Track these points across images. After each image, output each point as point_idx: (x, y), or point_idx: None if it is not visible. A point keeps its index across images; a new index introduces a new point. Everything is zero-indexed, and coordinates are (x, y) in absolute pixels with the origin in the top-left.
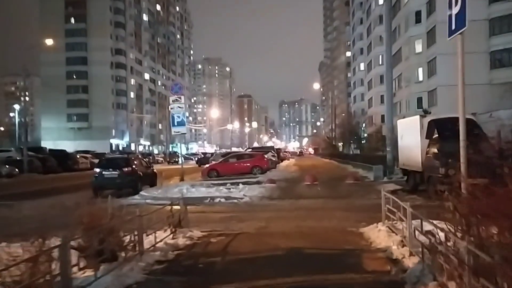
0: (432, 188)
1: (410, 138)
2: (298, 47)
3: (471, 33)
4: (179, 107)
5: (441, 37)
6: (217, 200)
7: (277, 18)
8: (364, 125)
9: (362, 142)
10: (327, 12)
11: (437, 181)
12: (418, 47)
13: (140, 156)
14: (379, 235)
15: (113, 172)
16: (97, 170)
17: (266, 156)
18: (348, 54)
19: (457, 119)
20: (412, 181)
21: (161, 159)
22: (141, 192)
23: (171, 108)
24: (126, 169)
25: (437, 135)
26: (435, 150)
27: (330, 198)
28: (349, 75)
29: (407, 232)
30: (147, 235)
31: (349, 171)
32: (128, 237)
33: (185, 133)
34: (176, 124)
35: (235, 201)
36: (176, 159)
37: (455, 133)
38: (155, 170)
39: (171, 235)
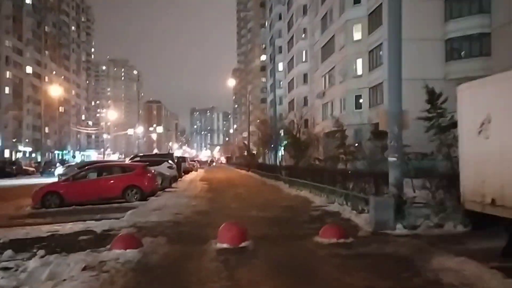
0: None
1: None
2: (211, 55)
3: (425, 15)
4: None
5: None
6: None
7: (189, 24)
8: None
9: (303, 150)
10: (241, 14)
11: None
12: (357, 34)
13: None
14: None
15: None
16: None
17: (155, 169)
18: (263, 58)
19: None
20: None
21: (33, 169)
22: None
23: None
24: None
25: None
26: None
27: None
28: (263, 79)
29: None
30: None
31: (287, 194)
32: None
33: None
34: None
35: None
36: (52, 169)
37: None
38: None
39: None
